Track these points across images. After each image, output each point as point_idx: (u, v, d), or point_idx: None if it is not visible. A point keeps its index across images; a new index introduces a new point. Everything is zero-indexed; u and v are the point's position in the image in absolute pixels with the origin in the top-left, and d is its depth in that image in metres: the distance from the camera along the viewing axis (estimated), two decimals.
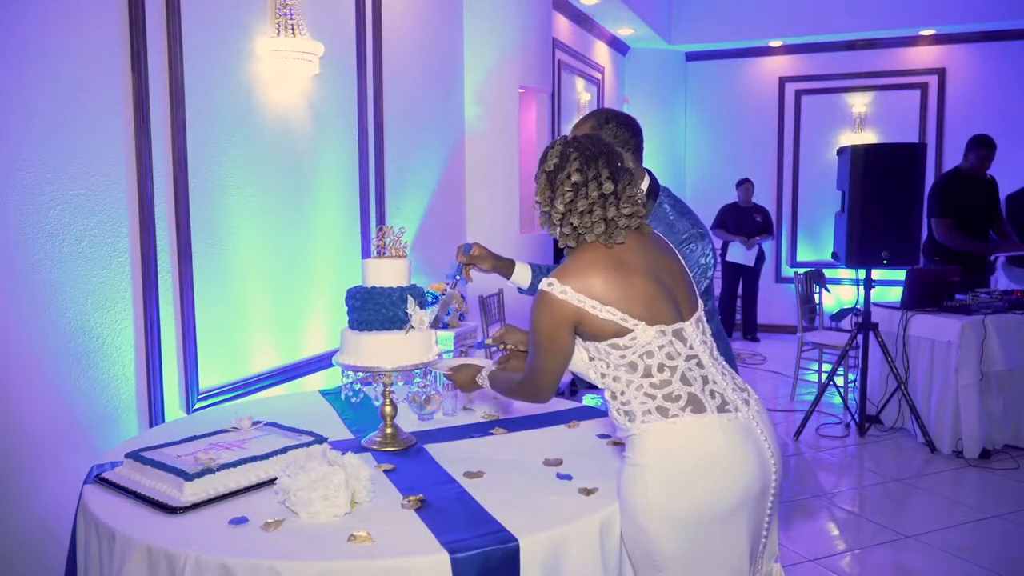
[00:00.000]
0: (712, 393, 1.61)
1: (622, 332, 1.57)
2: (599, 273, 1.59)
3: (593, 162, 1.62)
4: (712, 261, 2.20)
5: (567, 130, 6.79)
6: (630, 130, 2.18)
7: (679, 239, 2.15)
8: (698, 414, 1.58)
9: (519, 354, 2.03)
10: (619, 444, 2.07)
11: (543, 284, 1.61)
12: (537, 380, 1.71)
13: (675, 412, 1.57)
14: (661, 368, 1.59)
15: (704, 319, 1.72)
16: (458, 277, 2.21)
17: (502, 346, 2.09)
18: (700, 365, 1.63)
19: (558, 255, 5.14)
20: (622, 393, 1.61)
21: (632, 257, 1.62)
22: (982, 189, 5.22)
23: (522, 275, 2.30)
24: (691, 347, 1.62)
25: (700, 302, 1.73)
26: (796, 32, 8.01)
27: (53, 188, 2.25)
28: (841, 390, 5.19)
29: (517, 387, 1.82)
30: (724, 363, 1.71)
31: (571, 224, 1.63)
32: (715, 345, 1.72)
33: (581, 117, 2.25)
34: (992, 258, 5.50)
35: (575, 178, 1.61)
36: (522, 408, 2.43)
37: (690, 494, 1.55)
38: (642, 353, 1.58)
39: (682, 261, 1.77)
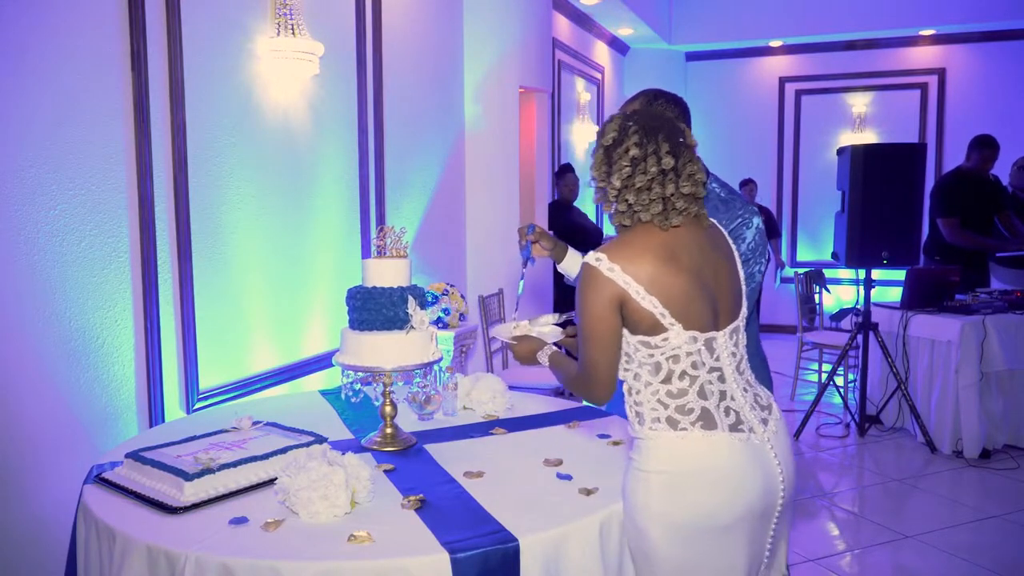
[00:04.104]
0: (727, 410, 1.57)
1: (657, 329, 1.53)
2: (649, 260, 1.52)
3: (653, 136, 1.55)
4: (763, 242, 2.15)
5: (567, 130, 6.80)
6: (679, 108, 2.12)
7: (734, 215, 2.09)
8: (708, 430, 1.54)
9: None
10: (618, 444, 2.07)
11: (589, 258, 1.54)
12: (589, 373, 1.59)
13: (684, 426, 1.54)
14: (682, 376, 1.55)
15: (741, 329, 1.64)
16: (529, 257, 2.11)
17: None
18: (722, 379, 1.58)
19: None
20: (638, 392, 1.58)
21: (684, 252, 1.56)
22: (985, 189, 5.20)
23: (573, 265, 2.13)
24: (717, 359, 1.58)
25: (743, 310, 1.65)
26: (796, 32, 8.01)
27: (53, 188, 2.25)
28: (841, 390, 5.19)
29: (573, 380, 1.68)
30: (750, 377, 1.66)
31: (627, 201, 1.56)
32: (745, 356, 1.65)
33: (630, 97, 2.18)
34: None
35: (633, 152, 1.54)
36: (522, 408, 2.43)
37: (688, 502, 1.53)
38: (670, 356, 1.54)
39: (737, 262, 1.68)
